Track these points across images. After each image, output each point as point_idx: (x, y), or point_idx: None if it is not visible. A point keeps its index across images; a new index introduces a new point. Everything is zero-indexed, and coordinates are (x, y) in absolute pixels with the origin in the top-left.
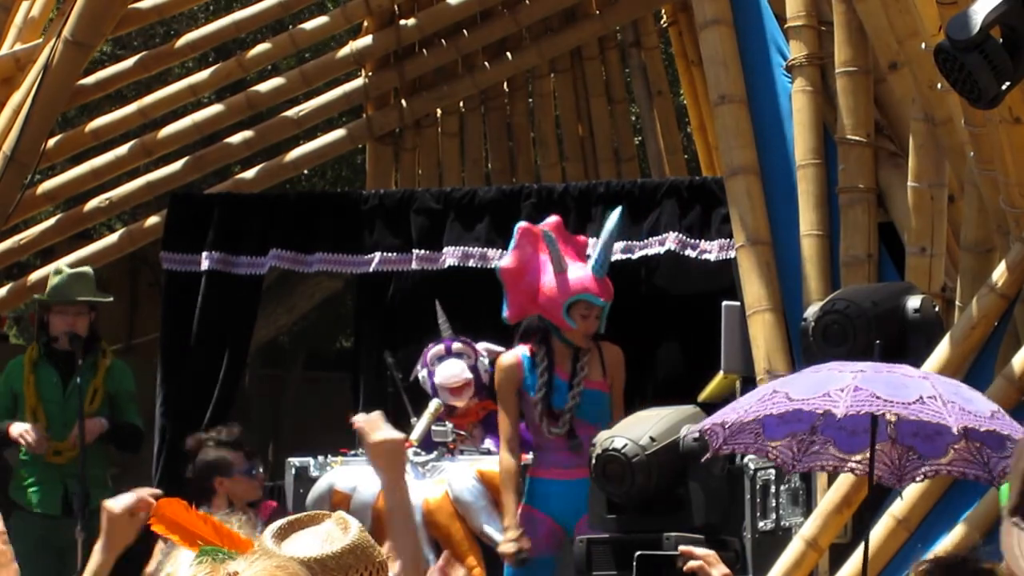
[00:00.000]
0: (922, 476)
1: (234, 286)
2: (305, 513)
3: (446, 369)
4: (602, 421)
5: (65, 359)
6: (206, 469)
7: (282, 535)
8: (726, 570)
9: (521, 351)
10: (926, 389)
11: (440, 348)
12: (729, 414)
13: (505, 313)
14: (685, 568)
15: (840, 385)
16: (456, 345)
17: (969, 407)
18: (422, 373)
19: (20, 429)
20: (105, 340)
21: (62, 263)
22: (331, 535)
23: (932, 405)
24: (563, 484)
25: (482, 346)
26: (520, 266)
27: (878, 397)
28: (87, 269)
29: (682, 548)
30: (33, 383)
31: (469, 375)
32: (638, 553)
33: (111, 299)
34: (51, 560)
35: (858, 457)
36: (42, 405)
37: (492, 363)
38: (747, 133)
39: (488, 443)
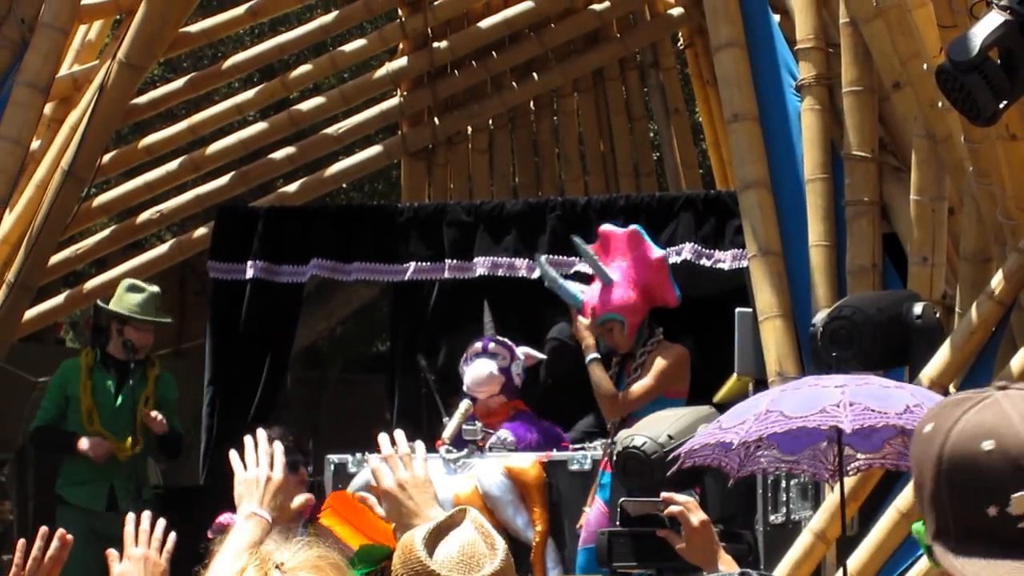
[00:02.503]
0: (855, 470)
1: (277, 293)
2: (445, 516)
3: (474, 370)
4: None
5: (120, 366)
6: None
7: (433, 541)
8: (704, 516)
9: None
10: (835, 396)
11: (478, 346)
12: (728, 434)
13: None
14: (666, 512)
15: (834, 400)
16: (492, 345)
17: (877, 406)
18: (463, 368)
19: (88, 445)
20: (155, 345)
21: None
22: (476, 549)
23: (833, 412)
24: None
25: (522, 350)
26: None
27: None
28: (157, 289)
29: (664, 495)
30: (89, 387)
31: (496, 374)
32: (621, 500)
33: (171, 320)
34: (96, 554)
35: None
36: (97, 409)
37: (526, 370)
38: (759, 149)
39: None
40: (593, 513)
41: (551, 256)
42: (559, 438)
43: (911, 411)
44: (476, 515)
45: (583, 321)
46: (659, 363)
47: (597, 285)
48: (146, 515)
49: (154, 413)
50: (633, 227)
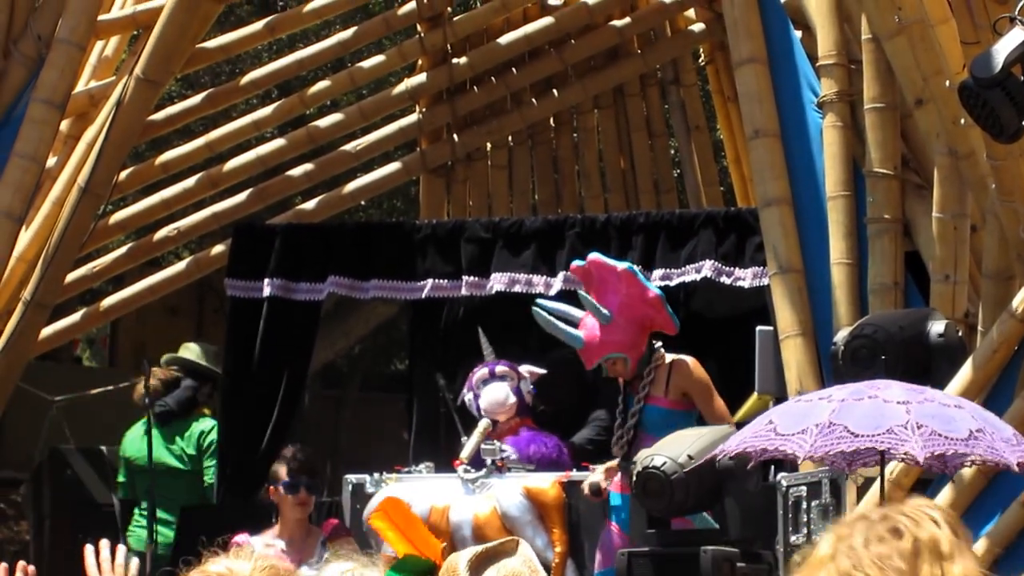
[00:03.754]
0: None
1: (294, 311)
2: (496, 543)
3: (490, 393)
4: (672, 432)
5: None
6: (268, 478)
7: (477, 566)
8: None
9: None
10: (901, 416)
11: (484, 372)
12: (789, 444)
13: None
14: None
15: (901, 421)
16: (499, 368)
17: (943, 430)
18: (468, 396)
19: None
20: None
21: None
22: None
23: (902, 434)
24: (627, 497)
25: (524, 368)
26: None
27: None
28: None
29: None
30: None
31: (513, 398)
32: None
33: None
34: None
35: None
36: None
37: (535, 385)
38: (780, 166)
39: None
40: (607, 536)
41: (567, 274)
42: (560, 449)
43: (975, 437)
44: (527, 549)
45: (597, 478)
46: (695, 381)
47: (592, 320)
48: (104, 543)
49: None
50: (625, 266)
